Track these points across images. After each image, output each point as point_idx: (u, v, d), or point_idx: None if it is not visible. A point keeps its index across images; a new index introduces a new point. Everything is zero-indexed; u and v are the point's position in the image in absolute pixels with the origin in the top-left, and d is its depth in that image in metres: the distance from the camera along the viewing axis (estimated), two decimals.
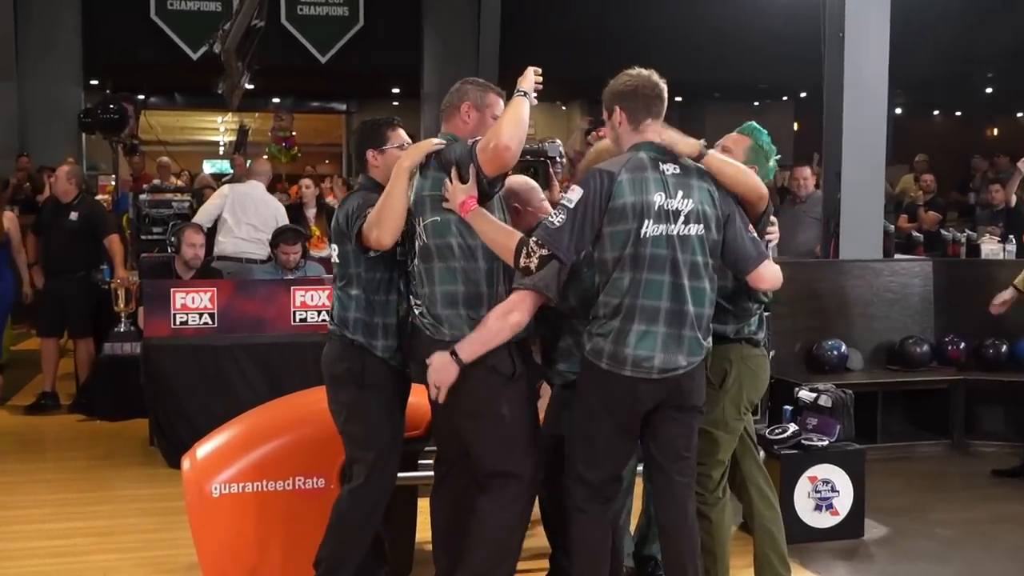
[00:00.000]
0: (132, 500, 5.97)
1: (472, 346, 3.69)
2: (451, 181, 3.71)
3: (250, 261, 8.13)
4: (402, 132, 4.20)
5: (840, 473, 5.44)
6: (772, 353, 4.31)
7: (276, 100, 21.29)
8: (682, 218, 3.65)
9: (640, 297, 3.61)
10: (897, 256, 8.91)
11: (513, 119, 3.66)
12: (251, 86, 13.31)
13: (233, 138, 18.51)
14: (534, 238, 3.57)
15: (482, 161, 3.66)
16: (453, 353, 3.69)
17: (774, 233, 4.12)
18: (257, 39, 11.20)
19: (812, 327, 7.64)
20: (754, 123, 4.25)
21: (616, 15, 15.35)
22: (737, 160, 3.97)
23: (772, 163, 4.18)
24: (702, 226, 3.68)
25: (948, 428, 7.46)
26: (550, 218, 3.62)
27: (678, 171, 3.70)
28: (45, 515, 5.70)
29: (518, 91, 3.75)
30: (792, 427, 5.52)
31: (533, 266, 3.56)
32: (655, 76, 3.80)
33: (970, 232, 8.81)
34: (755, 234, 3.83)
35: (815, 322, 7.65)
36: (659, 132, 3.74)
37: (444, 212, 3.75)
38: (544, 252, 3.55)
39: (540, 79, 3.82)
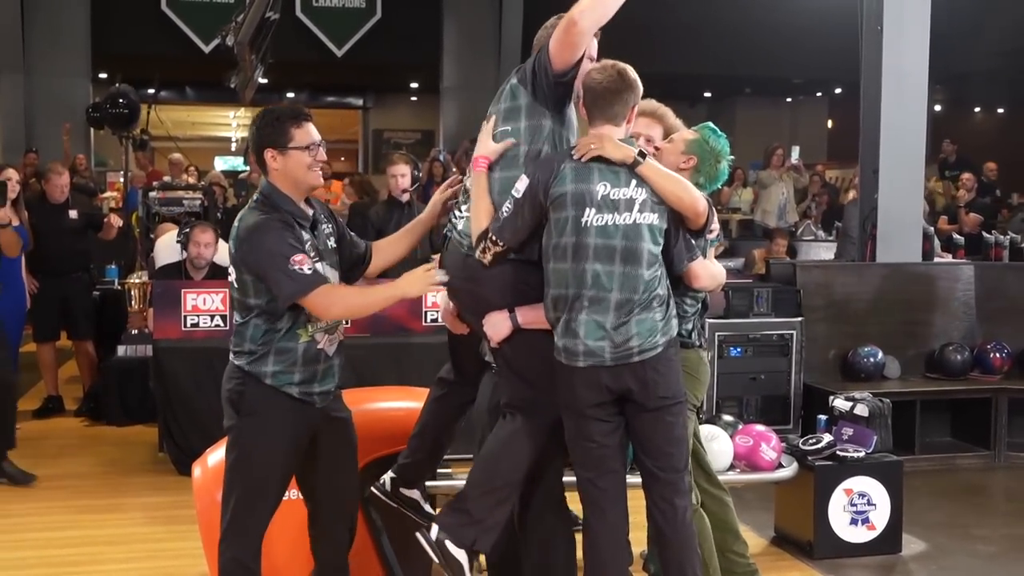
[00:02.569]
0: (141, 508, 6.00)
1: (529, 317, 3.77)
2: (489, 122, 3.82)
3: None
4: (311, 129, 3.77)
5: (877, 486, 5.41)
6: (710, 355, 4.40)
7: (290, 95, 21.34)
8: (637, 206, 3.68)
9: (587, 287, 3.65)
10: (937, 260, 8.85)
11: None
12: (264, 80, 13.32)
13: (245, 134, 18.58)
14: (492, 234, 3.68)
15: (552, 49, 3.67)
16: (511, 312, 3.77)
17: (714, 224, 4.08)
18: (271, 32, 11.21)
19: (847, 333, 7.61)
20: (711, 124, 4.21)
21: (644, 7, 15.28)
22: (676, 151, 4.06)
23: (723, 166, 4.13)
24: (656, 215, 3.71)
25: (990, 439, 7.40)
26: (502, 210, 3.70)
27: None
28: (51, 523, 5.73)
29: None
30: (827, 437, 5.48)
31: (487, 260, 3.69)
32: (612, 72, 3.77)
33: (1014, 235, 8.75)
34: (688, 235, 3.85)
35: (850, 328, 7.62)
36: (598, 135, 3.73)
37: (514, 122, 3.78)
38: (499, 248, 3.68)
39: None
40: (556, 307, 3.70)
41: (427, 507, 4.26)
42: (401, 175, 7.16)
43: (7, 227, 6.16)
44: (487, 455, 3.93)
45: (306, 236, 3.75)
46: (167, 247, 7.92)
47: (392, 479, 4.25)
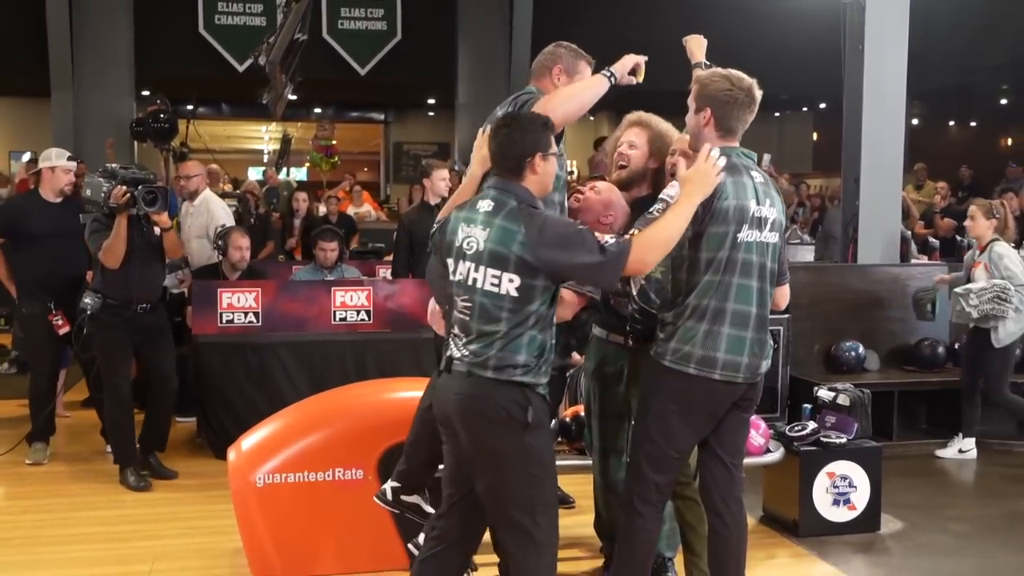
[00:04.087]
0: (180, 489, 6.02)
1: None
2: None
3: None
4: None
5: (857, 469, 5.40)
6: None
7: (318, 110, 21.39)
8: (768, 225, 3.63)
9: (731, 301, 3.55)
10: (914, 261, 8.84)
11: (569, 92, 3.64)
12: (294, 97, 13.39)
13: (276, 146, 18.60)
14: (635, 227, 3.45)
15: None
16: None
17: None
18: (300, 52, 11.24)
19: (830, 329, 7.61)
20: None
21: (640, 28, 15.26)
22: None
23: None
24: (777, 234, 3.68)
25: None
26: (651, 211, 3.49)
27: (762, 179, 3.67)
28: (98, 503, 5.76)
29: (604, 71, 3.73)
30: (811, 425, 5.49)
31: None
32: (754, 87, 3.68)
33: None
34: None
35: (833, 324, 7.62)
36: None
37: None
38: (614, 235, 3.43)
39: (637, 72, 3.77)
40: (692, 315, 3.55)
41: (427, 508, 4.15)
42: (445, 179, 7.20)
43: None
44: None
45: None
46: (221, 208, 7.82)
47: (393, 488, 4.16)
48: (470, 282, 3.33)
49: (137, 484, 5.93)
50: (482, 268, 3.31)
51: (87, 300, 5.94)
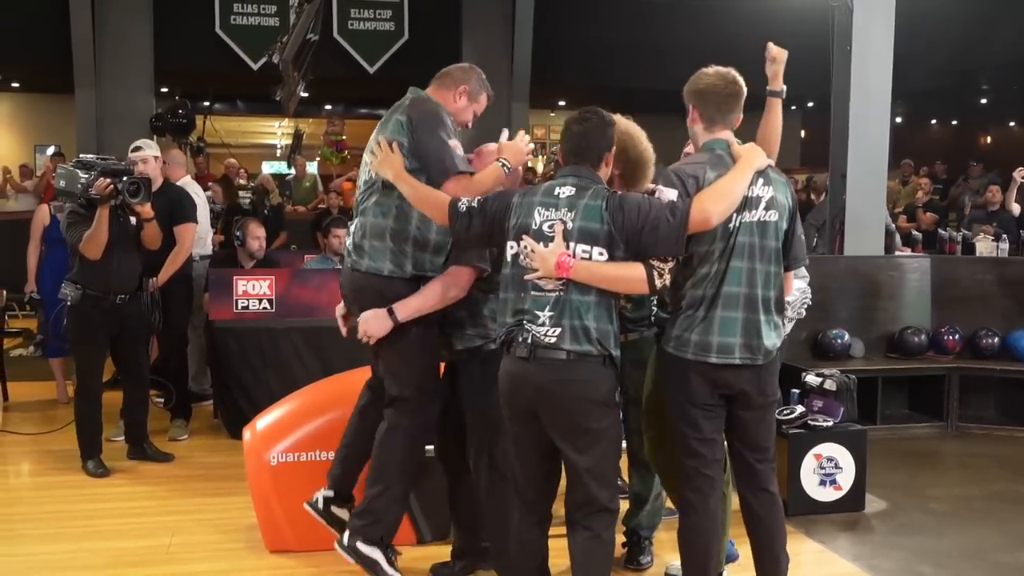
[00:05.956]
0: (198, 467, 6.01)
1: (409, 309, 3.72)
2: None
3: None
4: None
5: (843, 451, 5.40)
6: None
7: (328, 107, 21.32)
8: (763, 204, 3.51)
9: (724, 284, 3.46)
10: (897, 253, 8.82)
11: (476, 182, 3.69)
12: (306, 94, 13.33)
13: (289, 141, 18.55)
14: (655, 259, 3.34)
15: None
16: (391, 312, 3.72)
17: None
18: (312, 51, 11.21)
19: (818, 317, 7.54)
20: None
21: (634, 28, 15.25)
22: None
23: None
24: (777, 213, 3.53)
25: (943, 412, 7.39)
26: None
27: None
28: (119, 480, 5.75)
29: (500, 162, 3.84)
30: (799, 408, 5.48)
31: (668, 282, 3.39)
32: (730, 76, 3.60)
33: (966, 232, 8.71)
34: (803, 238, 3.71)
35: (821, 313, 7.56)
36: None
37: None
38: (671, 264, 3.37)
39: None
40: (691, 304, 3.50)
41: (388, 568, 3.97)
42: None
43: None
44: (374, 461, 3.87)
45: None
46: (198, 195, 7.62)
47: (326, 497, 4.11)
48: None
49: (95, 470, 5.79)
50: (572, 244, 3.33)
51: (66, 291, 5.75)
